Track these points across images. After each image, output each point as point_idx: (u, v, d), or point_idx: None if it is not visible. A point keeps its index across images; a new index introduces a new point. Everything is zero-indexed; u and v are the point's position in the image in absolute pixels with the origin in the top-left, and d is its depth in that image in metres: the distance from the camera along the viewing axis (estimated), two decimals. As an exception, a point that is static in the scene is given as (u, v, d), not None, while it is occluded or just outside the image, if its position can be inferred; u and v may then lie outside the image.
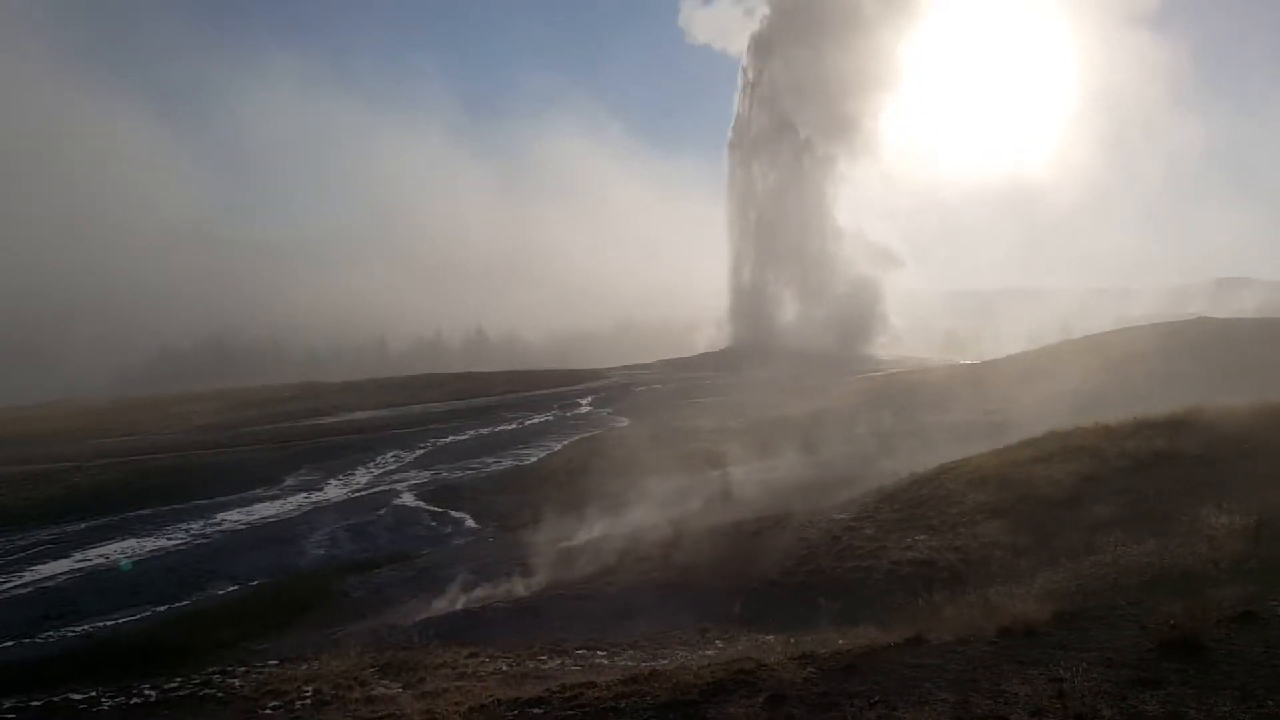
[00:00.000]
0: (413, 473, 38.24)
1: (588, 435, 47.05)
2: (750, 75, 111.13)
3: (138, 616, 21.09)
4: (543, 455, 41.66)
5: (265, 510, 31.94)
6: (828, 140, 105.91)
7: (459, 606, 18.07)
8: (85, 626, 20.40)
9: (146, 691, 12.99)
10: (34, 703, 12.92)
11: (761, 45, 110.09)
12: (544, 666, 12.40)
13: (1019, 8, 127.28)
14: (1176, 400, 19.36)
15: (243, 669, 13.85)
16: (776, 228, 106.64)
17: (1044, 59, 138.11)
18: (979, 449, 20.47)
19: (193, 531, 29.05)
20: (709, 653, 11.85)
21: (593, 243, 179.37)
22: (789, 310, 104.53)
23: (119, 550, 26.86)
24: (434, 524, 29.76)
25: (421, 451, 43.21)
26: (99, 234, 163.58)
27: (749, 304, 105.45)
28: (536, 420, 53.81)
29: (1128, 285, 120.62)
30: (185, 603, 22.12)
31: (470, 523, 29.62)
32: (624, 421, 51.82)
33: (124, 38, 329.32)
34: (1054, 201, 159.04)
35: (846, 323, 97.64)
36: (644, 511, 23.05)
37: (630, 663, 11.91)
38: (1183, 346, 39.30)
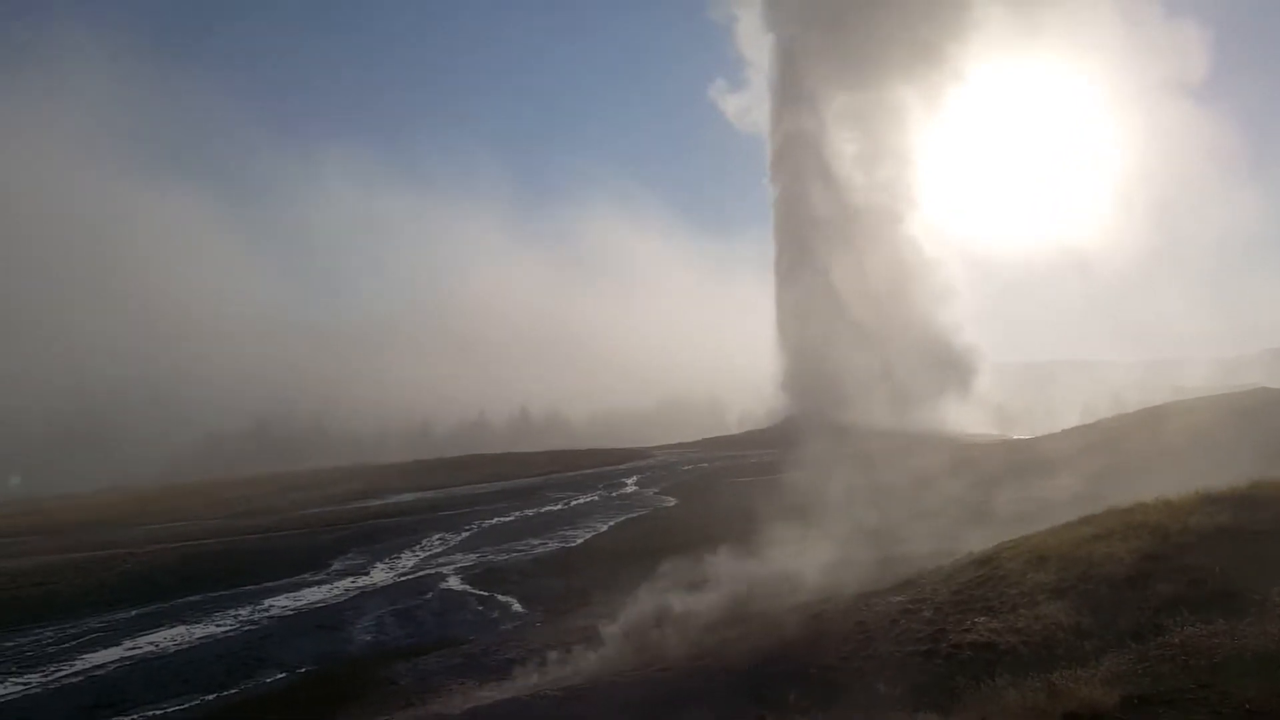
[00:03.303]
0: (459, 555, 38.12)
1: (634, 515, 46.78)
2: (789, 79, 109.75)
3: (187, 705, 21.05)
4: (589, 536, 41.40)
5: (313, 595, 31.95)
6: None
7: (507, 694, 17.81)
8: (135, 716, 20.41)
9: (196, 782, 12.94)
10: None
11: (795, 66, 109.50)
12: (594, 756, 12.17)
13: (1067, 79, 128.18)
14: (1239, 473, 18.77)
15: (291, 759, 13.76)
16: (836, 264, 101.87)
17: (1091, 130, 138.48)
18: (1038, 527, 19.99)
19: (241, 617, 29.12)
20: (764, 742, 11.55)
21: (635, 322, 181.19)
22: (847, 376, 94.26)
23: (169, 638, 26.97)
24: (481, 608, 29.53)
25: (467, 533, 43.13)
26: (153, 324, 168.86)
27: (800, 370, 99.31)
28: (582, 500, 53.67)
29: (1180, 356, 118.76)
30: (234, 690, 22.04)
31: (517, 606, 29.38)
32: (671, 501, 51.46)
33: (187, 132, 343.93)
34: (1104, 273, 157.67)
35: (916, 382, 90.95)
36: (694, 594, 22.70)
37: (683, 752, 11.64)
38: (1242, 418, 38.33)
